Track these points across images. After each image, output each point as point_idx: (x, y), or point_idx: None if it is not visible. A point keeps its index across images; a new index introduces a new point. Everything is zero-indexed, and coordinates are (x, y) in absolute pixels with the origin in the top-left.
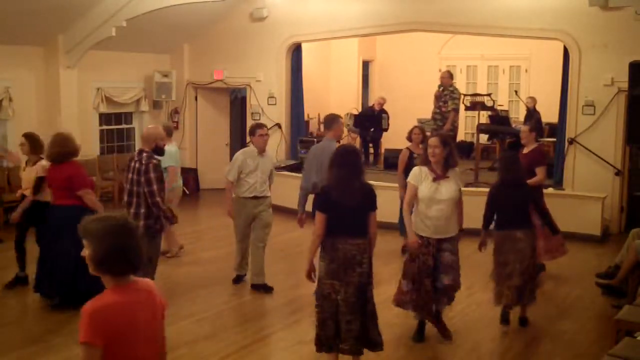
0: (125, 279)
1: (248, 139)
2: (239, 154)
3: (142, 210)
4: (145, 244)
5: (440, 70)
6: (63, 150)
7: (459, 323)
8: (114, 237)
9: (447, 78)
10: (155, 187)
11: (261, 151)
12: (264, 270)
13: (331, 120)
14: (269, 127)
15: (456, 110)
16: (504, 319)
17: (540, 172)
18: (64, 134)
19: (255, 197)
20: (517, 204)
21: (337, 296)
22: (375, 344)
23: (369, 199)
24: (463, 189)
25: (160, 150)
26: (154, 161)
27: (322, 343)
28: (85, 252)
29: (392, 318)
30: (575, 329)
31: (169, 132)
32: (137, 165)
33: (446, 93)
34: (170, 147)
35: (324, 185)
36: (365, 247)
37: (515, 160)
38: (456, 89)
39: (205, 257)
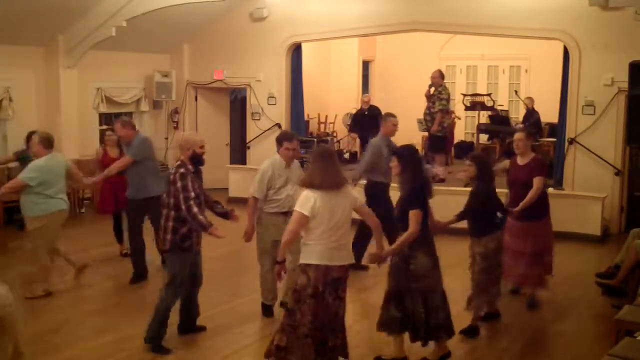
0: None
1: (248, 140)
2: (267, 167)
3: (170, 224)
4: (168, 260)
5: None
6: None
7: (458, 323)
8: None
9: (438, 78)
10: (181, 196)
11: (289, 163)
12: None
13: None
14: (268, 127)
15: (444, 111)
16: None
17: (538, 182)
18: None
19: (285, 213)
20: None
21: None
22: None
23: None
24: (464, 188)
25: (198, 157)
26: (182, 170)
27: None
28: None
29: None
30: (575, 329)
31: (47, 144)
32: (170, 176)
33: (435, 93)
34: (40, 162)
35: (415, 184)
36: None
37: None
38: (445, 88)
39: (205, 257)
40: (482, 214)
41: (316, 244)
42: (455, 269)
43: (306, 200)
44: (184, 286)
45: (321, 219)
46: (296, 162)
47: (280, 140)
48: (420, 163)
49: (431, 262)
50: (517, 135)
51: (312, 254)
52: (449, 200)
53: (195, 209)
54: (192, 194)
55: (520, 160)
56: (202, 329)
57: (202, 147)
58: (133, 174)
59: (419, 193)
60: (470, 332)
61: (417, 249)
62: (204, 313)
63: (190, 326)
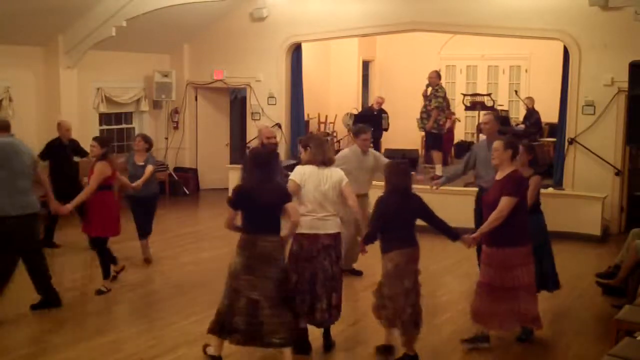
0: None
1: (248, 140)
2: (346, 152)
3: None
4: None
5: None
6: None
7: (459, 323)
8: None
9: (435, 78)
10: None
11: (365, 151)
12: None
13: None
14: (269, 127)
15: (440, 109)
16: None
17: (505, 202)
18: None
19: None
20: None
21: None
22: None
23: (283, 196)
24: (464, 188)
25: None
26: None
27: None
28: None
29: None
30: (575, 329)
31: None
32: None
33: (432, 92)
34: None
35: (242, 184)
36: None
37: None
38: (441, 87)
39: (205, 257)
40: (383, 228)
41: (306, 216)
42: (460, 268)
43: (296, 172)
44: None
45: (308, 187)
46: (372, 151)
47: (357, 134)
48: (260, 169)
49: (241, 265)
50: (495, 144)
51: (304, 224)
52: (448, 200)
53: None
54: None
55: (498, 175)
56: None
57: (267, 137)
58: None
59: (237, 195)
60: None
61: (237, 248)
62: (202, 314)
63: None
